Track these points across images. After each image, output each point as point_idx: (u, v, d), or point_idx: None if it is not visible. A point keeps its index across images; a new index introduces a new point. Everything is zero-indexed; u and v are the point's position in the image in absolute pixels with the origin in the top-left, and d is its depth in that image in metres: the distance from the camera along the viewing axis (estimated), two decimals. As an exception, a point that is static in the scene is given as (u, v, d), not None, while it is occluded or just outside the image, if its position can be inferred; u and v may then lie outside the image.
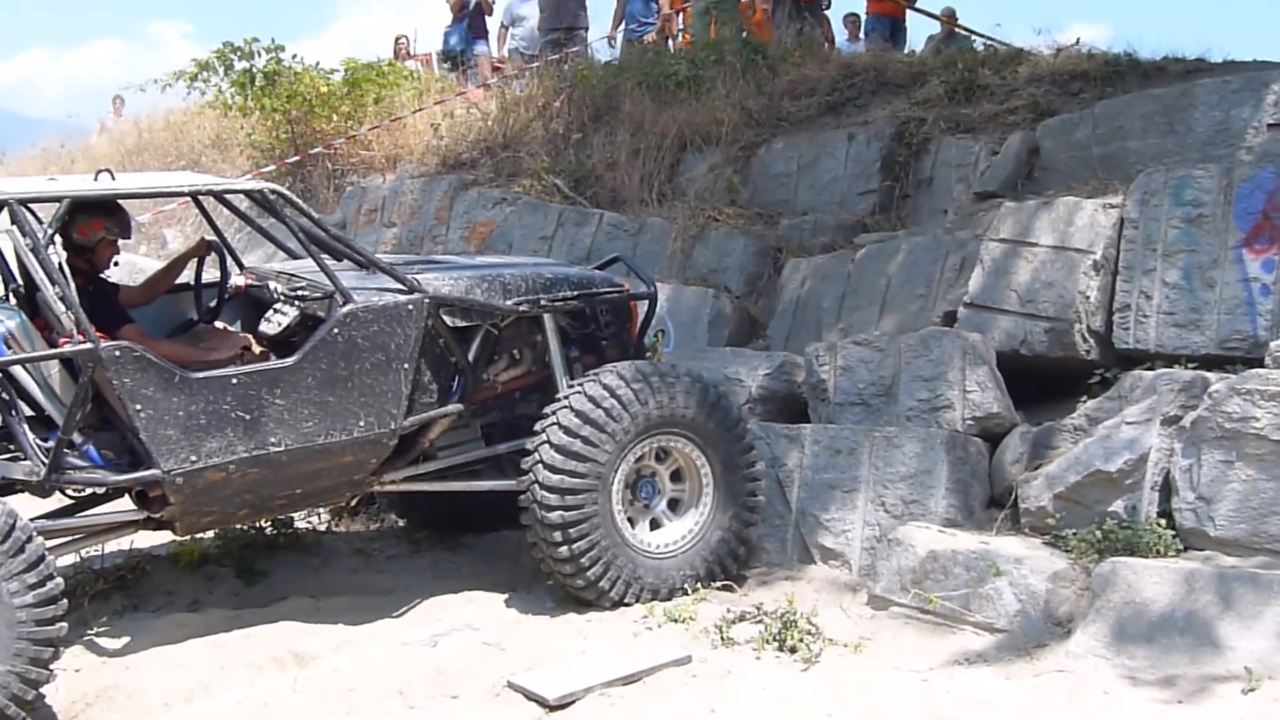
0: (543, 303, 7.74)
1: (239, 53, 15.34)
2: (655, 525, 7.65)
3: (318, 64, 15.66)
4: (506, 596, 7.80)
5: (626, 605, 7.33)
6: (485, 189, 13.47)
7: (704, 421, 7.51)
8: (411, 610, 7.64)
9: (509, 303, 7.60)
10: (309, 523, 9.24)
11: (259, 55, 15.36)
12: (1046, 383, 8.42)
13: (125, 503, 7.18)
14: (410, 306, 7.20)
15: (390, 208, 14.08)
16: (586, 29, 17.41)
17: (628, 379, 7.34)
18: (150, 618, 7.57)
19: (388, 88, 15.95)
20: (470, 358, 7.54)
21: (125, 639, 7.23)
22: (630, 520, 7.48)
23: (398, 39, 19.68)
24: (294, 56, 15.48)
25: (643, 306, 8.43)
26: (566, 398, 7.34)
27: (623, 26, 17.16)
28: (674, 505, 7.72)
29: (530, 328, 7.88)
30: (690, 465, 7.62)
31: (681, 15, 16.90)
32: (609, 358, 8.06)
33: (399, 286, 7.25)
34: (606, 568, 7.26)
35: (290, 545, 8.74)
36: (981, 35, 14.93)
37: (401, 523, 9.63)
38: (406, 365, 7.19)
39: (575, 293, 7.97)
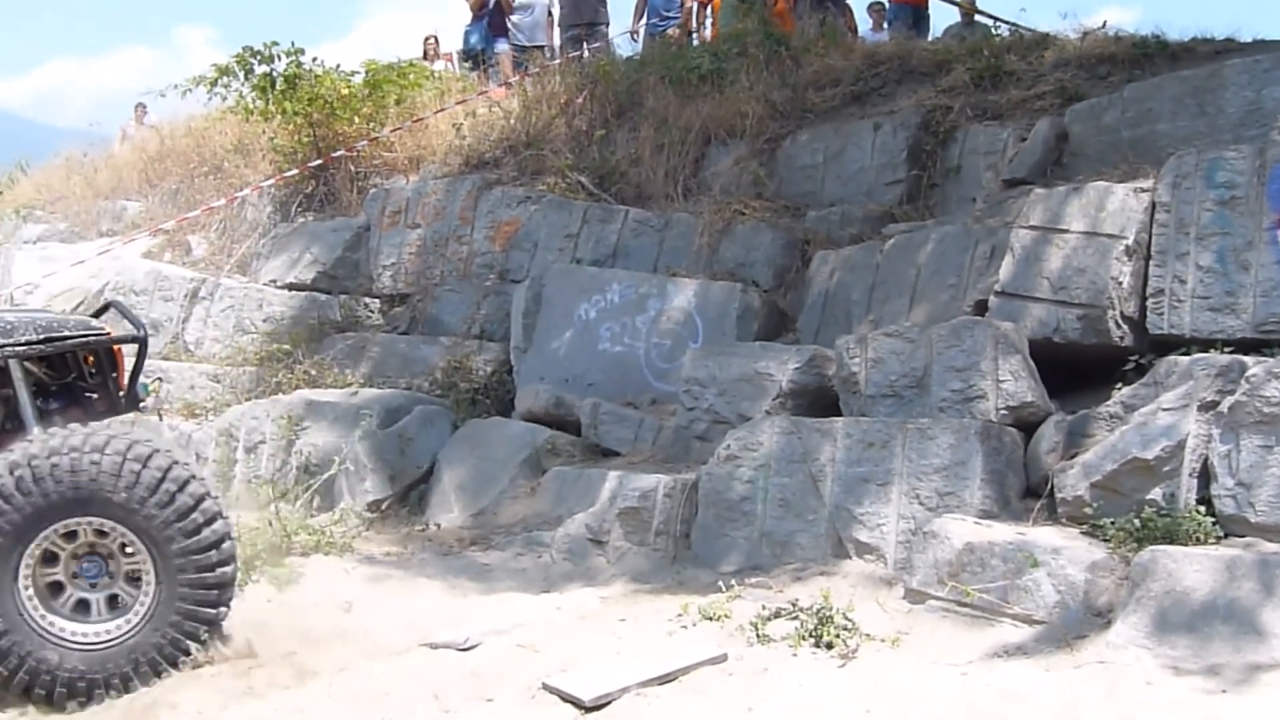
0: (5, 349, 6.93)
1: (259, 57, 15.26)
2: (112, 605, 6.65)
3: (338, 66, 15.60)
4: (539, 598, 7.77)
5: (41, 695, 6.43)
6: (509, 188, 13.43)
7: (130, 503, 6.48)
8: (445, 613, 7.60)
9: None
10: (341, 527, 9.18)
11: (279, 59, 15.28)
12: (1080, 370, 8.33)
13: None
14: None
15: (414, 209, 14.04)
16: (607, 24, 17.37)
17: (17, 463, 6.41)
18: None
19: (409, 88, 15.88)
20: None
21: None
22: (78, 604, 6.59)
23: (426, 39, 19.66)
24: (315, 59, 15.42)
25: (133, 354, 7.61)
26: None
27: (644, 21, 17.10)
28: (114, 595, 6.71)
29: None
30: (117, 551, 6.63)
31: (710, 8, 16.84)
32: (96, 409, 7.48)
33: None
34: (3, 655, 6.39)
35: (323, 550, 8.71)
36: (1005, 21, 14.81)
37: (435, 526, 9.59)
38: None
39: (40, 337, 7.13)
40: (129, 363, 7.67)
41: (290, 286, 14.21)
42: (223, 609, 6.78)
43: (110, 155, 20.04)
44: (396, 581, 8.40)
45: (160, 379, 8.60)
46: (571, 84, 14.69)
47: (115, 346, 7.64)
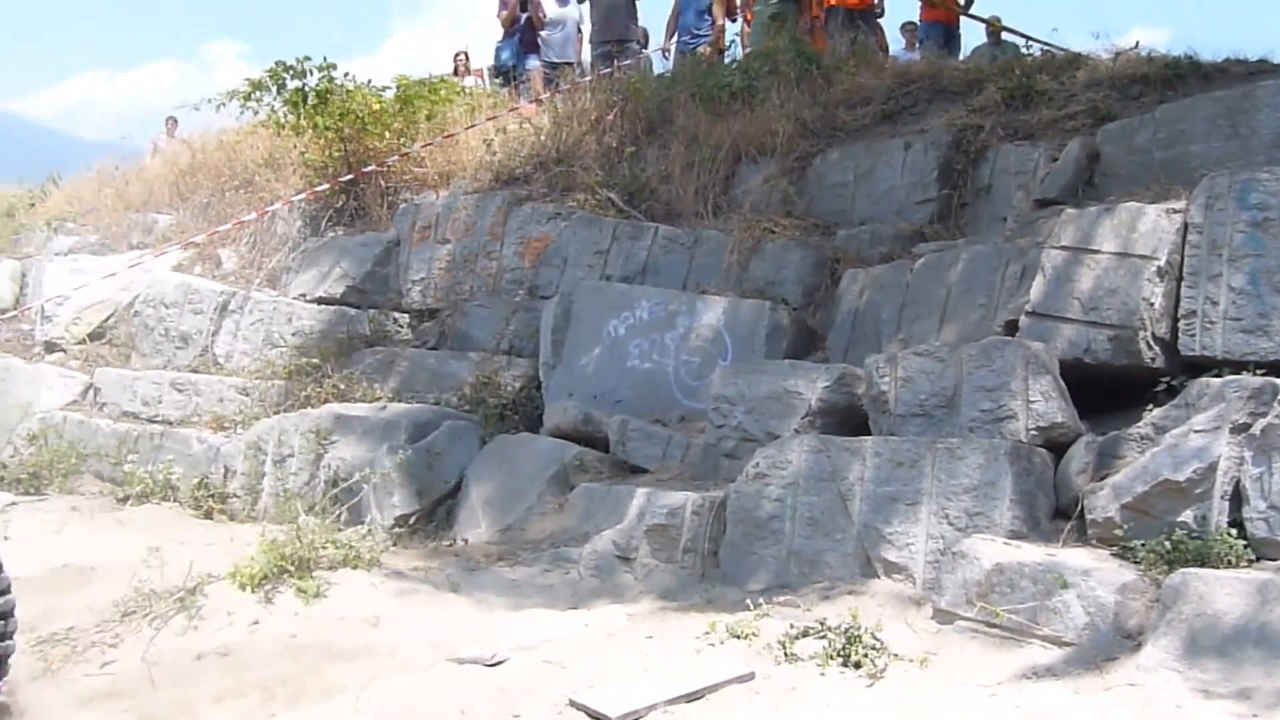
0: None
1: (291, 71, 15.30)
2: None
3: (369, 81, 15.64)
4: (567, 614, 7.77)
5: None
6: (539, 204, 13.44)
7: None
8: (472, 628, 7.60)
9: None
10: (369, 541, 9.18)
11: (312, 74, 15.33)
12: (1111, 391, 8.28)
13: None
14: None
15: (444, 224, 14.06)
16: (638, 41, 17.38)
17: None
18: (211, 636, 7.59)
19: (440, 104, 15.92)
20: None
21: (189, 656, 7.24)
22: None
23: (456, 55, 19.72)
24: (346, 74, 15.46)
25: None
26: None
27: (675, 38, 17.12)
28: None
29: None
30: None
31: (741, 22, 16.86)
32: None
33: None
34: None
35: (351, 564, 8.72)
36: (1037, 40, 14.80)
37: (462, 542, 9.58)
38: None
39: None
40: None
41: (320, 301, 14.22)
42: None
43: (141, 168, 20.14)
44: (424, 596, 8.41)
45: None
46: (602, 100, 14.70)
47: None
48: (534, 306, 12.62)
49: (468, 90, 17.05)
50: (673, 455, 9.88)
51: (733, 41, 17.00)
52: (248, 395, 13.00)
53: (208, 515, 11.17)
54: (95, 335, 15.28)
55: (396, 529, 10.15)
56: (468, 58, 19.79)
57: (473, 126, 15.24)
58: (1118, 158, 10.20)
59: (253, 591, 8.19)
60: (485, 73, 19.40)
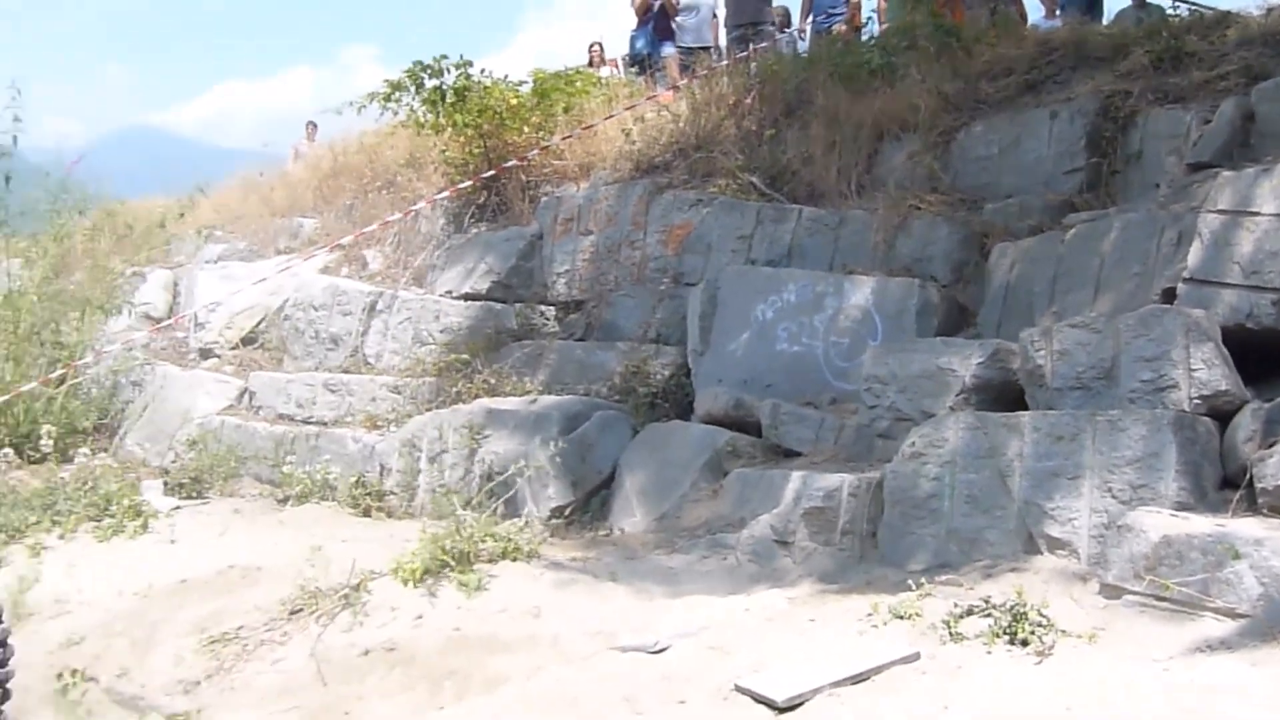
0: None
1: (429, 71, 15.45)
2: None
3: (505, 77, 15.76)
4: (727, 600, 7.74)
5: None
6: (680, 191, 13.42)
7: None
8: (632, 617, 7.61)
9: None
10: (526, 533, 9.24)
11: (449, 72, 15.47)
12: (1276, 356, 8.07)
13: None
14: None
15: (586, 216, 14.11)
16: (772, 24, 17.28)
17: None
18: (377, 632, 7.68)
19: (576, 96, 15.98)
20: None
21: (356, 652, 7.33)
22: None
23: (591, 46, 19.77)
24: (482, 71, 15.58)
25: None
26: None
27: (811, 18, 17.01)
28: None
29: None
30: None
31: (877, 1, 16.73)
32: None
33: None
34: None
35: (510, 557, 8.77)
36: (1184, 0, 14.44)
37: (618, 531, 9.61)
38: None
39: None
40: None
41: (466, 297, 14.36)
42: None
43: (284, 174, 20.55)
44: (583, 586, 8.43)
45: None
46: (739, 84, 14.66)
47: None
48: (679, 294, 12.62)
49: (603, 80, 17.07)
50: (825, 438, 9.81)
51: (869, 19, 16.85)
52: (399, 393, 13.18)
53: (365, 513, 11.31)
54: (247, 340, 15.62)
55: (553, 520, 10.24)
56: (602, 48, 19.82)
57: (611, 117, 15.26)
58: (1274, 116, 9.92)
59: (415, 586, 8.29)
60: (620, 62, 19.43)
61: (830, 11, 16.75)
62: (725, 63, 15.86)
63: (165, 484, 12.44)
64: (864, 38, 15.79)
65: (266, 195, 19.23)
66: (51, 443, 12.50)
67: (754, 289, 11.51)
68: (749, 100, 14.27)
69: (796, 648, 6.79)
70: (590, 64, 18.89)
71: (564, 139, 15.26)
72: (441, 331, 13.95)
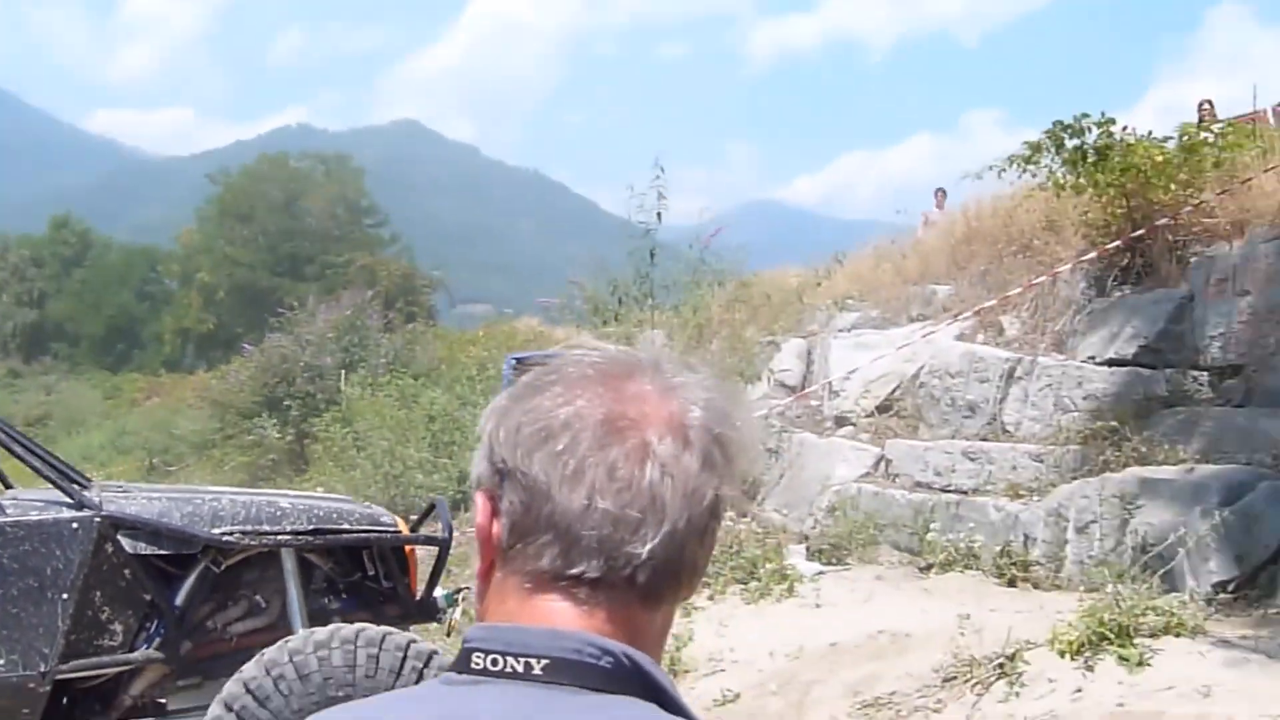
0: (265, 536, 6.39)
1: (1070, 130, 15.01)
2: None
3: (1150, 133, 15.08)
4: None
5: None
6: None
7: None
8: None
9: (215, 531, 6.24)
10: (1190, 608, 8.63)
11: (1089, 131, 14.97)
12: None
13: None
14: (75, 525, 5.97)
15: (1242, 275, 13.20)
16: None
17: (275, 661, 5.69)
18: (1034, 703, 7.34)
19: (1227, 150, 15.08)
20: (178, 599, 6.25)
21: None
22: None
23: (1200, 104, 19.02)
24: (1125, 128, 14.98)
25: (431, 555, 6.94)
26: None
27: None
28: None
29: (276, 571, 6.54)
30: None
31: None
32: (385, 615, 6.66)
33: (64, 500, 6.13)
34: None
35: (1172, 632, 8.22)
36: None
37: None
38: (65, 596, 5.90)
39: (310, 526, 6.54)
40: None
41: (1110, 362, 13.75)
42: None
43: (915, 241, 20.53)
44: (1256, 666, 7.83)
45: (462, 590, 7.39)
46: None
47: (409, 548, 7.12)
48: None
49: (1260, 133, 16.04)
50: None
51: None
52: (1041, 461, 12.78)
53: (1010, 583, 11.06)
54: (883, 408, 15.62)
55: (1216, 596, 9.53)
56: (1212, 105, 19.02)
57: (1271, 169, 14.26)
58: None
59: (1072, 659, 8.00)
60: (1270, 112, 18.36)
61: None
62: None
63: (807, 549, 12.63)
64: None
65: (899, 263, 19.27)
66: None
67: None
68: None
69: None
70: (1200, 122, 17.90)
71: (1219, 194, 14.39)
72: (1085, 398, 13.41)
